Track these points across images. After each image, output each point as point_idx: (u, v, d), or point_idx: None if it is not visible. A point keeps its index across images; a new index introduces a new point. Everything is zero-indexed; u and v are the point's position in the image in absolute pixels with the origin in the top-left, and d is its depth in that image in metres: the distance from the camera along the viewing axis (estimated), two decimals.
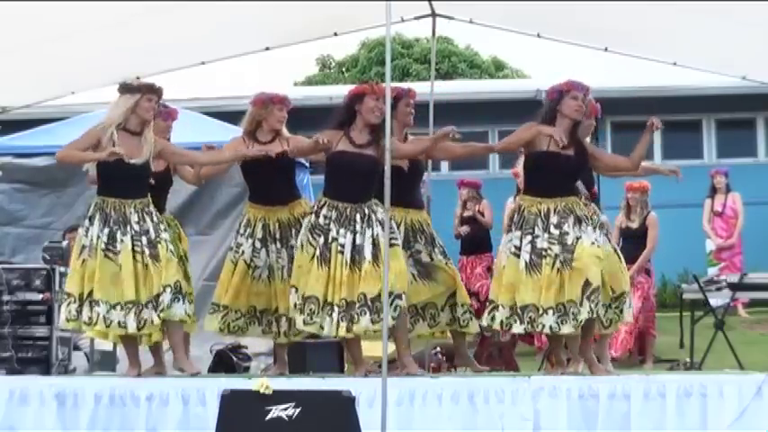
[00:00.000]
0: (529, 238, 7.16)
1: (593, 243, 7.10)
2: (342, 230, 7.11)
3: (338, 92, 16.76)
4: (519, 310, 7.11)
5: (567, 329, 7.06)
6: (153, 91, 7.28)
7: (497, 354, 9.85)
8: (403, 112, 7.60)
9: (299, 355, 8.23)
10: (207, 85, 14.37)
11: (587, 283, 7.00)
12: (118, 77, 8.57)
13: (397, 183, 6.81)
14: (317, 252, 7.12)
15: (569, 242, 7.10)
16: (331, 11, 8.08)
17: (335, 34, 8.89)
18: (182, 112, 8.45)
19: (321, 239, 7.15)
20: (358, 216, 7.14)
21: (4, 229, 10.35)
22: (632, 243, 10.92)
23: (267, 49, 8.81)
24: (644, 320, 10.88)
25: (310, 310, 7.08)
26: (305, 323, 7.12)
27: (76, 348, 8.55)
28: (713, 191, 13.95)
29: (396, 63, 23.06)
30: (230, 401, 5.84)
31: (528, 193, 7.34)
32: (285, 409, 5.76)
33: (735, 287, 10.30)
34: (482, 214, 12.33)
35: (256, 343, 8.87)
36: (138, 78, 7.82)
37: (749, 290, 10.71)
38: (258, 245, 7.66)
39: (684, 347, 10.54)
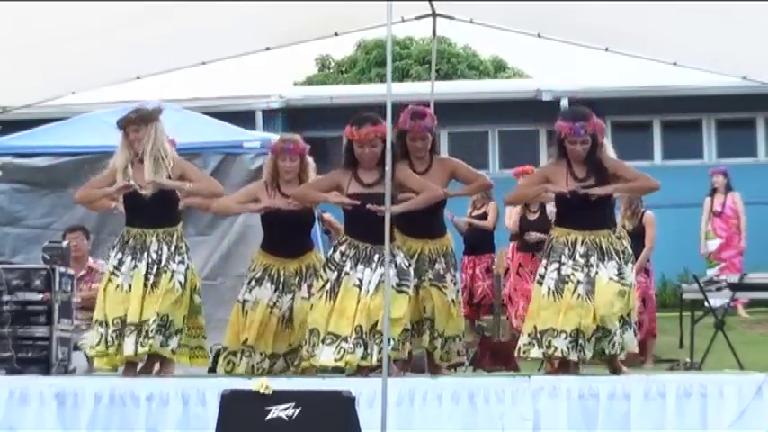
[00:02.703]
0: (555, 265, 7.20)
1: (610, 279, 7.11)
2: (360, 266, 7.09)
3: (338, 92, 16.90)
4: (538, 335, 7.14)
5: (573, 357, 7.11)
6: (129, 123, 7.35)
7: (497, 354, 9.83)
8: (410, 146, 7.51)
9: None
10: (207, 85, 14.38)
11: (599, 328, 7.07)
12: (118, 77, 8.60)
13: (411, 215, 6.97)
14: (327, 286, 7.14)
15: (592, 275, 7.12)
16: (331, 11, 8.07)
17: (336, 34, 8.88)
18: (182, 112, 8.46)
19: (334, 275, 7.14)
20: (376, 256, 7.09)
21: (5, 229, 10.33)
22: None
23: (267, 49, 8.79)
24: (648, 321, 10.83)
25: (313, 343, 7.10)
26: (308, 353, 7.15)
27: (76, 348, 8.54)
28: (713, 190, 13.97)
29: (396, 65, 23.06)
30: (230, 401, 5.84)
31: (559, 225, 7.38)
32: (285, 409, 5.76)
33: (735, 287, 10.31)
34: (486, 216, 12.33)
35: None
36: (138, 78, 7.82)
37: (749, 290, 10.72)
38: (253, 283, 7.61)
39: (684, 347, 10.54)
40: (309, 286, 7.51)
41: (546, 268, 7.25)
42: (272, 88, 16.24)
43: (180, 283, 7.24)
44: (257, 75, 17.14)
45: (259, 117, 14.68)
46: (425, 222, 7.38)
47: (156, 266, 7.21)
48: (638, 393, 6.58)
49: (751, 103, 15.61)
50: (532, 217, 11.48)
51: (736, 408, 6.53)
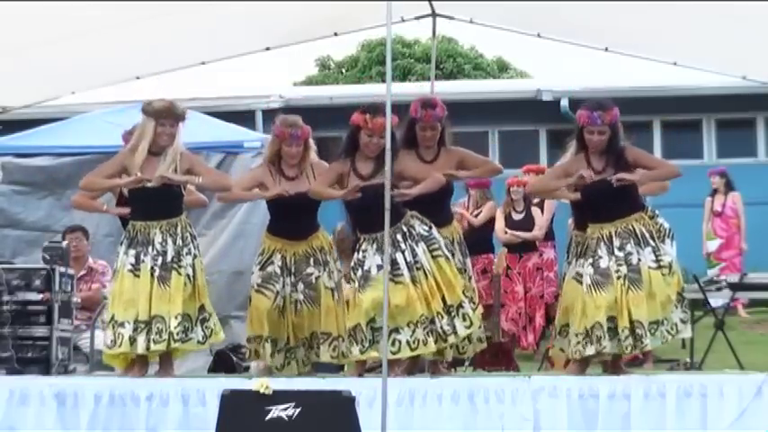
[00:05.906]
0: (591, 260, 7.17)
1: (649, 267, 7.08)
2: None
3: (338, 92, 16.87)
4: (589, 332, 7.09)
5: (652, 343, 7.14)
6: (165, 116, 7.25)
7: (497, 354, 9.83)
8: (420, 136, 7.49)
9: None
10: (207, 85, 14.37)
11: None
12: (118, 77, 8.60)
13: (417, 205, 7.03)
14: (357, 285, 7.13)
15: (634, 262, 7.09)
16: (331, 11, 8.08)
17: (336, 34, 8.89)
18: None
19: (359, 272, 7.13)
20: (399, 236, 7.12)
21: (4, 231, 10.32)
22: None
23: (267, 49, 8.80)
24: None
25: (361, 338, 7.05)
26: (361, 352, 7.06)
27: (76, 348, 8.55)
28: (714, 191, 13.98)
29: (397, 63, 23.02)
30: (230, 401, 5.84)
31: (592, 221, 7.30)
32: (285, 409, 5.76)
33: (735, 287, 10.31)
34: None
35: None
36: (137, 78, 7.82)
37: (749, 290, 10.72)
38: (266, 269, 7.53)
39: (684, 347, 10.53)
40: (326, 270, 7.56)
41: (582, 266, 7.23)
42: (272, 88, 16.23)
43: (189, 276, 7.21)
44: (257, 75, 17.14)
45: (259, 117, 14.68)
46: (431, 211, 7.34)
47: (161, 259, 7.16)
48: (638, 393, 6.58)
49: (751, 103, 15.59)
50: (518, 216, 11.49)
51: (736, 408, 6.54)
